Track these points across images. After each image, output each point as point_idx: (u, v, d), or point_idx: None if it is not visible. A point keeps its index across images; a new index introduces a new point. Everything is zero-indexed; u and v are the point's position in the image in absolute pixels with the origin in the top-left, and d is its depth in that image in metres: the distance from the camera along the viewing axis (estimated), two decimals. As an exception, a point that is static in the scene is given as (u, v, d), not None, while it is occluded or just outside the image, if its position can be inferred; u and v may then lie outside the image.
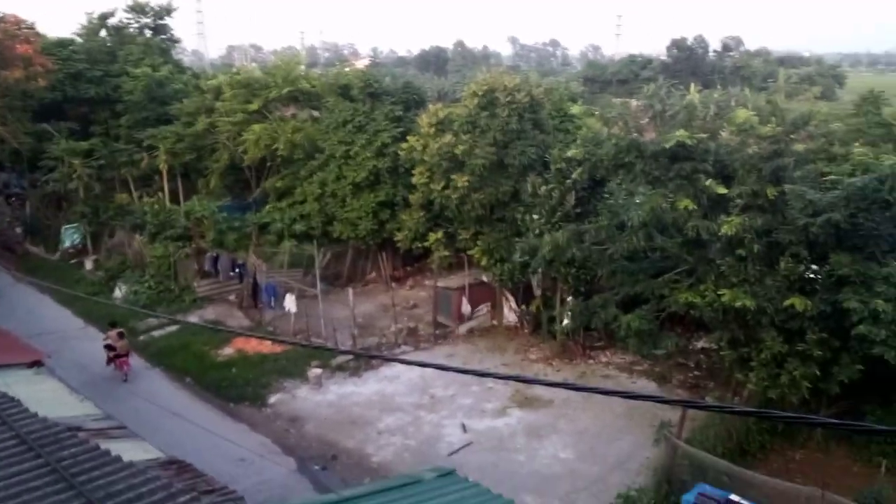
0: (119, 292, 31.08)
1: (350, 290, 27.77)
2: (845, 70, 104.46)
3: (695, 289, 18.52)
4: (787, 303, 16.51)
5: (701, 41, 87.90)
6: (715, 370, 21.18)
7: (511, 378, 22.06)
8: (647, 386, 21.90)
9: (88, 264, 34.88)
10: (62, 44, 42.01)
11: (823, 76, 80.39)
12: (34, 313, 28.78)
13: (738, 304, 16.94)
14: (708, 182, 18.89)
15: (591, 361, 23.65)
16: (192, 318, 28.84)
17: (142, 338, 26.83)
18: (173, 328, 27.31)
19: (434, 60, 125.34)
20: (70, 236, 36.98)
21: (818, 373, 16.54)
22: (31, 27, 38.02)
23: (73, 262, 36.21)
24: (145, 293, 30.29)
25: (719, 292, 17.49)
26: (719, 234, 17.60)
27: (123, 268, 32.72)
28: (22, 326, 25.75)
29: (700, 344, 22.34)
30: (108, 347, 23.39)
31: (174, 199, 36.58)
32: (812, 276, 17.32)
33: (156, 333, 27.19)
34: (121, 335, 23.62)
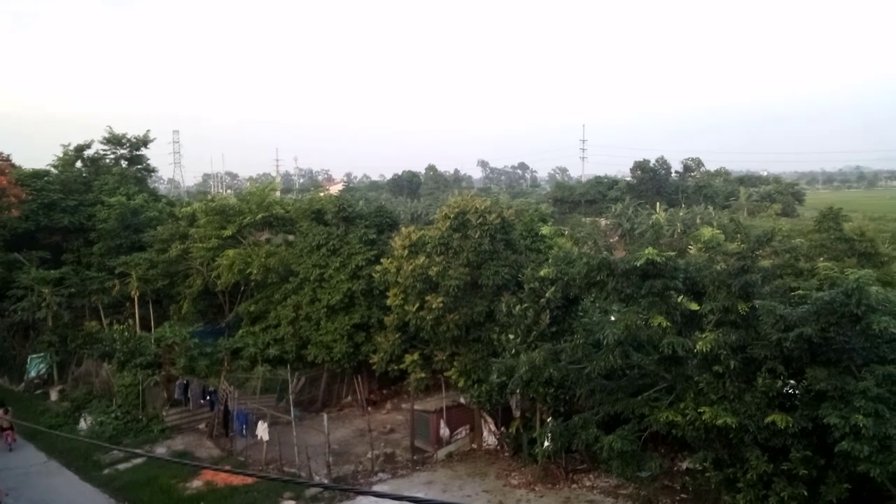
0: (84, 423, 29.93)
1: (325, 416, 27.02)
2: (803, 188, 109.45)
3: (675, 407, 18.31)
4: (768, 419, 16.37)
5: (663, 163, 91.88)
6: (702, 492, 20.58)
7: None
8: (634, 511, 21.15)
9: (54, 395, 33.85)
10: (37, 175, 42.69)
11: (783, 194, 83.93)
12: (-8, 449, 27.48)
13: (719, 421, 16.74)
14: (680, 298, 19.12)
15: (574, 486, 22.88)
16: (160, 449, 27.78)
17: (106, 471, 25.63)
18: (139, 461, 26.16)
19: (407, 184, 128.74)
20: (36, 366, 35.99)
21: (806, 493, 16.17)
22: (7, 159, 38.72)
23: (38, 392, 35.19)
24: (112, 423, 29.21)
25: (699, 410, 17.31)
26: (695, 350, 17.62)
27: (90, 398, 31.75)
28: (-22, 464, 24.62)
29: (685, 465, 21.82)
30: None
31: (145, 325, 36.06)
32: (790, 391, 17.29)
33: (121, 466, 25.97)
34: (6, 412, 28.21)
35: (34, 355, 36.12)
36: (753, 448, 16.92)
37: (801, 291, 18.03)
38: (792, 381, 17.36)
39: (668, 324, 18.54)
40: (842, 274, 18.19)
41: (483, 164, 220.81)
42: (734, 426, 16.75)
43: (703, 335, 17.54)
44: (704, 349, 17.24)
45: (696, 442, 18.46)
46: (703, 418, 17.11)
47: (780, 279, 19.58)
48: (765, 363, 17.15)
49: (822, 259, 20.59)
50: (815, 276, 19.34)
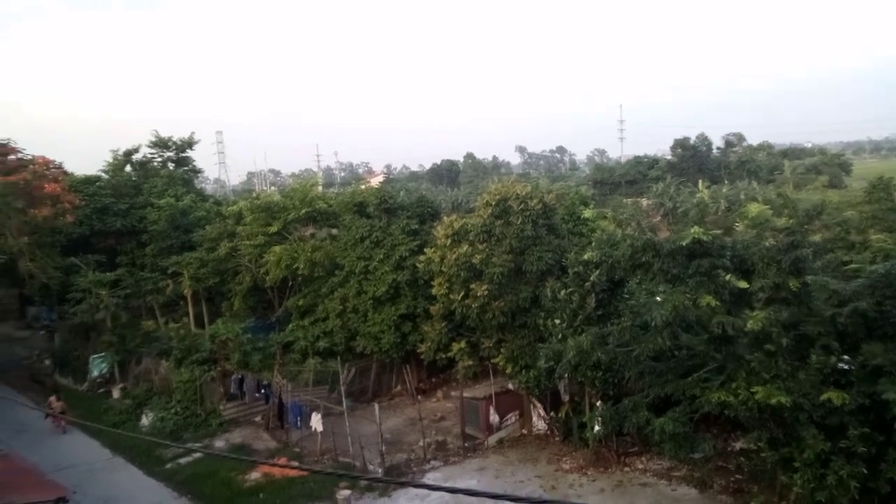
0: (146, 420, 30.92)
1: (376, 406, 27.40)
2: (849, 158, 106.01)
3: (726, 387, 18.08)
4: (823, 397, 16.08)
5: (704, 139, 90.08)
6: (757, 473, 20.32)
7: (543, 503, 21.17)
8: (688, 493, 21.00)
9: (116, 393, 34.89)
10: (89, 181, 44.01)
11: (829, 165, 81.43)
12: (60, 446, 28.61)
13: (773, 401, 16.48)
14: (728, 277, 18.85)
15: (626, 469, 22.85)
16: (219, 443, 28.55)
17: (168, 466, 26.44)
18: (200, 454, 26.96)
19: (446, 173, 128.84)
20: (98, 366, 37.16)
21: (865, 471, 15.86)
22: (59, 167, 39.93)
23: (100, 391, 36.26)
24: (172, 419, 30.13)
25: (752, 390, 17.07)
26: (745, 329, 17.38)
27: (150, 395, 32.70)
28: (47, 460, 25.66)
29: (739, 445, 21.59)
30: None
31: (199, 323, 37.01)
32: (845, 367, 16.96)
33: (182, 461, 26.79)
34: (58, 398, 31.01)
35: (95, 355, 37.26)
36: (809, 426, 16.63)
37: (854, 265, 17.66)
38: (846, 357, 17.03)
39: (717, 303, 18.28)
40: (896, 246, 17.76)
41: (521, 149, 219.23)
42: (788, 405, 16.46)
43: (754, 313, 17.27)
44: (755, 328, 16.98)
45: (750, 422, 18.22)
46: (756, 398, 16.85)
47: (832, 253, 19.14)
48: (818, 340, 16.85)
49: (873, 231, 20.01)
50: (867, 248, 18.84)
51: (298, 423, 28.33)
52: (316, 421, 26.83)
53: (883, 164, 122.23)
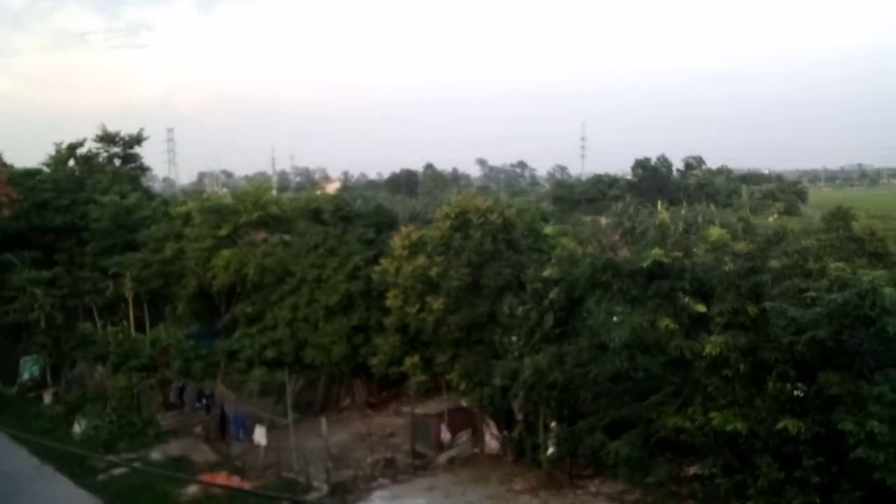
0: (78, 427, 29.50)
1: (324, 420, 26.55)
2: (805, 185, 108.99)
3: (683, 411, 17.89)
4: (779, 425, 15.97)
5: (664, 160, 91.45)
6: (710, 499, 19.99)
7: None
8: (640, 517, 20.71)
9: (47, 398, 33.36)
10: (29, 174, 42.12)
11: (785, 192, 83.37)
12: (-16, 453, 27.02)
13: (729, 427, 16.35)
14: (687, 300, 18.70)
15: (579, 491, 22.46)
16: (156, 454, 27.44)
17: (101, 477, 25.26)
18: (135, 464, 25.76)
19: (405, 183, 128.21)
20: (29, 368, 35.51)
21: (818, 501, 15.79)
22: (-3, 158, 38.09)
23: (31, 395, 34.67)
24: (106, 427, 28.77)
25: (709, 415, 16.89)
26: (703, 353, 17.19)
27: (84, 401, 31.25)
28: (-29, 469, 24.18)
29: (693, 470, 21.32)
30: None
31: (140, 327, 35.53)
32: (800, 394, 16.88)
33: (116, 472, 25.55)
34: None
35: (27, 357, 35.61)
36: (764, 454, 16.52)
37: (812, 293, 17.60)
38: (801, 385, 16.95)
39: (676, 326, 18.17)
40: (854, 275, 17.77)
41: (482, 162, 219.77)
42: (744, 432, 16.38)
43: (712, 338, 17.13)
44: (713, 352, 16.86)
45: (705, 447, 18.04)
46: (713, 423, 16.73)
47: (790, 280, 19.17)
48: (775, 367, 16.77)
49: (831, 259, 20.11)
50: (825, 276, 18.90)
51: (241, 435, 27.38)
52: (260, 434, 25.94)
53: (837, 193, 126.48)
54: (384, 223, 31.79)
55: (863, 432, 14.95)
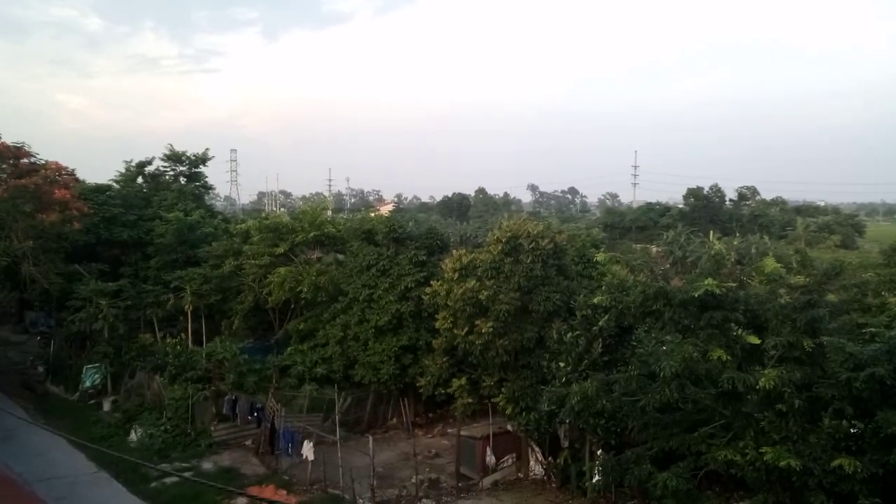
0: (134, 435, 30.32)
1: (370, 438, 26.82)
2: (863, 219, 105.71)
3: (733, 445, 17.54)
4: (834, 463, 15.54)
5: (717, 190, 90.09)
6: (760, 536, 19.58)
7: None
8: (687, 551, 20.23)
9: (106, 405, 34.33)
10: (100, 189, 44.01)
11: (842, 225, 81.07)
12: (45, 456, 27.99)
13: (782, 463, 15.94)
14: (740, 332, 18.40)
15: (624, 522, 22.14)
16: (207, 464, 27.94)
17: (153, 485, 25.80)
18: (187, 474, 26.36)
19: (456, 206, 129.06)
20: (91, 376, 36.66)
21: (874, 541, 15.24)
22: (72, 174, 39.86)
23: (91, 402, 35.68)
24: (161, 436, 29.53)
25: (761, 450, 16.53)
26: (756, 386, 16.88)
27: (141, 409, 32.13)
28: (31, 470, 25.12)
29: (742, 506, 20.87)
30: None
31: (197, 340, 36.58)
32: (857, 432, 16.42)
33: (167, 480, 26.11)
34: None
35: (89, 366, 36.76)
36: (818, 493, 16.04)
37: (871, 329, 17.17)
38: (857, 423, 16.50)
39: (728, 357, 17.83)
40: (915, 311, 17.33)
41: (533, 187, 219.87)
42: (798, 469, 15.93)
43: (766, 371, 16.79)
44: (767, 386, 16.49)
45: (756, 483, 17.60)
46: (765, 459, 16.32)
47: (848, 315, 18.71)
48: (832, 403, 16.35)
49: (891, 295, 19.57)
50: (884, 312, 18.41)
51: (290, 449, 27.72)
52: (307, 449, 26.25)
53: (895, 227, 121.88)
54: (435, 246, 32.14)
55: (922, 474, 14.50)
